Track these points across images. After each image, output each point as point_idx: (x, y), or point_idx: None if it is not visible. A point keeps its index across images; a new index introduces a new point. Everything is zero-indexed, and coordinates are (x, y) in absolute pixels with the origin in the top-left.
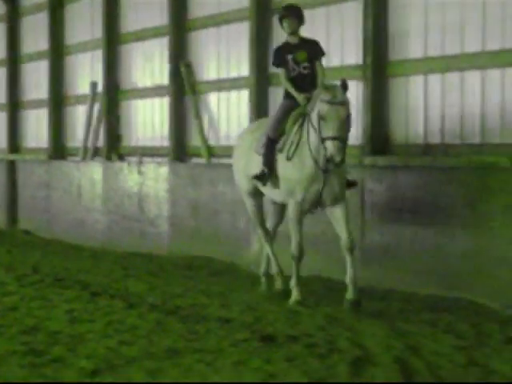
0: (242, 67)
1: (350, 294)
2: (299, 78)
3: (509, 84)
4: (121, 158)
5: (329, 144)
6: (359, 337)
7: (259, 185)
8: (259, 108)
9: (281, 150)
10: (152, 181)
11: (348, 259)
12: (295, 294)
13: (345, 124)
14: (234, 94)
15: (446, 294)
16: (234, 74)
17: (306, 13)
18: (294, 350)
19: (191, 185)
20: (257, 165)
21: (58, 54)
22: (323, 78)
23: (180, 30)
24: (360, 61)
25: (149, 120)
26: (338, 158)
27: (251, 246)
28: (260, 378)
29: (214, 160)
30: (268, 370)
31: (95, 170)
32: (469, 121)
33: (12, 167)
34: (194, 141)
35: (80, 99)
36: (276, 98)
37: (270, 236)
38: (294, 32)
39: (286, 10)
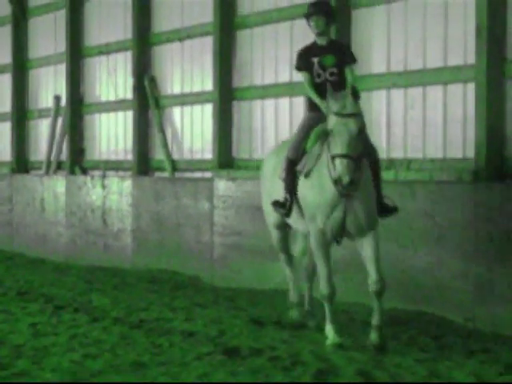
0: (206, 82)
1: (375, 339)
2: (325, 85)
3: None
4: (84, 171)
5: (337, 163)
6: (322, 350)
7: (281, 214)
8: (222, 122)
9: (302, 173)
10: (115, 195)
11: (375, 303)
12: (333, 336)
13: (355, 140)
14: (197, 108)
15: (408, 307)
16: (197, 89)
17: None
18: (258, 362)
19: (155, 198)
20: (279, 192)
21: (21, 67)
22: (352, 87)
23: (144, 44)
24: None
25: (112, 134)
26: (346, 179)
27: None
28: None
29: (178, 174)
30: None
31: (58, 184)
32: (431, 135)
33: None
34: (158, 155)
35: (43, 113)
36: (240, 112)
37: (293, 262)
38: (323, 32)
39: (312, 6)
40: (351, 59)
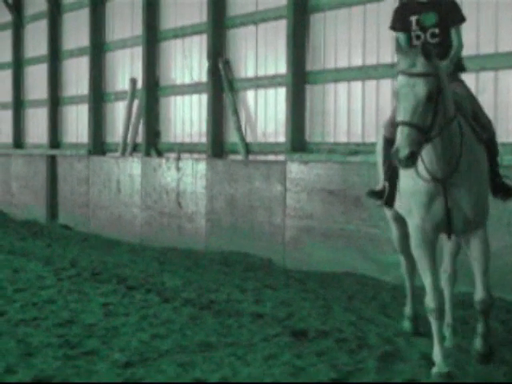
0: (280, 65)
1: (480, 348)
2: None
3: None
4: (159, 154)
5: (398, 131)
6: (389, 333)
7: (380, 205)
8: (295, 106)
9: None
10: (190, 177)
11: (480, 323)
12: (440, 364)
13: (424, 105)
14: (271, 91)
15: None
16: (271, 72)
17: None
18: (324, 344)
19: (228, 181)
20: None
21: (98, 50)
22: (458, 51)
23: (218, 27)
24: None
25: (187, 116)
26: (402, 153)
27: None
28: (288, 371)
29: (251, 157)
30: (297, 364)
31: (134, 166)
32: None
33: (52, 162)
34: (232, 137)
35: (120, 95)
36: (313, 95)
37: (414, 267)
38: None
39: None
40: (458, 18)
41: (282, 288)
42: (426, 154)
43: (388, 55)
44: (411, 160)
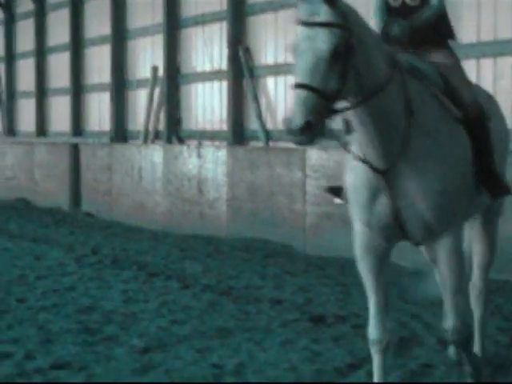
0: None
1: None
2: (403, 11)
3: None
4: (181, 141)
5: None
6: (406, 317)
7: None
8: None
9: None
10: (211, 164)
11: (458, 355)
12: None
13: (325, 63)
14: (291, 78)
15: (496, 276)
16: (291, 59)
17: None
18: (342, 330)
19: (249, 168)
20: None
21: (119, 38)
22: (434, 10)
23: (239, 14)
24: None
25: (208, 104)
26: (295, 123)
27: None
28: (305, 356)
29: (272, 143)
30: (314, 350)
31: (156, 153)
32: None
33: (75, 150)
34: (252, 124)
35: (141, 83)
36: None
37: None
38: None
39: None
40: None
41: (301, 274)
42: (359, 133)
43: None
44: (308, 133)
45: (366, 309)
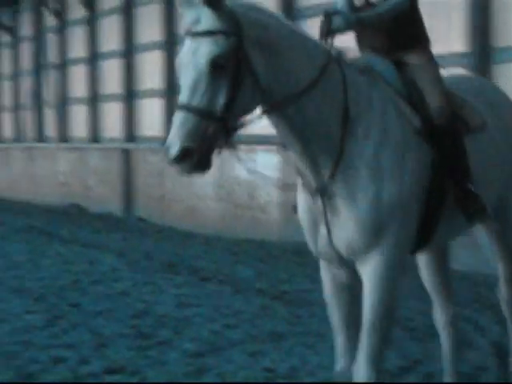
0: None
1: None
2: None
3: None
4: (232, 145)
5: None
6: (459, 322)
7: None
8: None
9: None
10: (262, 168)
11: None
12: None
13: (206, 78)
14: None
15: None
16: None
17: None
18: (393, 333)
19: None
20: None
21: (171, 43)
22: (384, 8)
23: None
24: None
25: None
26: (171, 152)
27: None
28: None
29: None
30: None
31: None
32: None
33: (127, 156)
34: None
35: None
36: None
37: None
38: None
39: None
40: None
41: None
42: (287, 146)
43: None
44: (188, 161)
45: (419, 312)
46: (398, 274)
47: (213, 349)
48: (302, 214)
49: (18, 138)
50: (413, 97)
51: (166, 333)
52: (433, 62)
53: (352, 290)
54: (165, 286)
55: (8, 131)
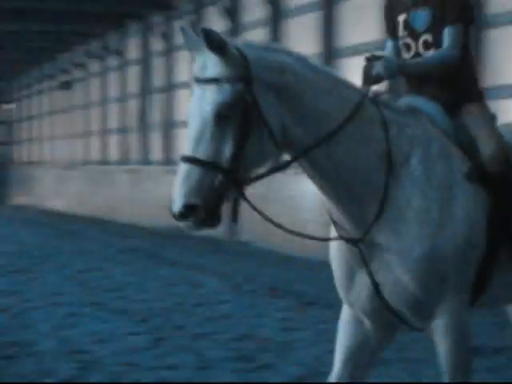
0: None
1: None
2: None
3: None
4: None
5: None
6: None
7: None
8: None
9: None
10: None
11: None
12: None
13: (211, 127)
14: None
15: None
16: None
17: None
18: (497, 361)
19: None
20: None
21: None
22: (443, 55)
23: None
24: None
25: None
26: (174, 209)
27: None
28: None
29: None
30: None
31: (309, 183)
32: None
33: None
34: None
35: None
36: None
37: None
38: None
39: None
40: (453, 16)
41: None
42: (322, 195)
43: None
44: (193, 217)
45: None
46: (468, 319)
47: (316, 373)
48: (335, 263)
49: (124, 160)
50: (464, 141)
51: (268, 356)
52: (487, 112)
53: (368, 348)
54: (267, 310)
55: (114, 153)
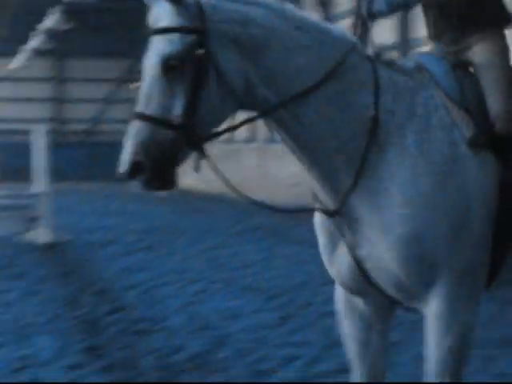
0: None
1: None
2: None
3: None
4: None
5: None
6: None
7: None
8: None
9: None
10: None
11: None
12: None
13: (160, 81)
14: None
15: None
16: None
17: None
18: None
19: None
20: None
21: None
22: None
23: None
24: None
25: None
26: (122, 166)
27: None
28: None
29: None
30: None
31: None
32: None
33: None
34: None
35: None
36: None
37: None
38: None
39: None
40: None
41: None
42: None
43: None
44: (140, 178)
45: None
46: (468, 307)
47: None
48: (319, 235)
49: (251, 138)
50: (471, 101)
51: (396, 334)
52: (503, 54)
53: (370, 323)
54: None
55: (240, 132)
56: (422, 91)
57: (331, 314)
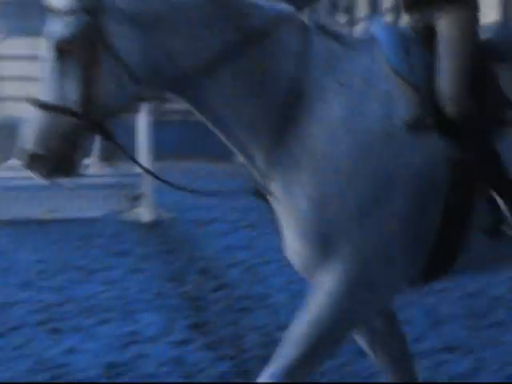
0: None
1: None
2: None
3: None
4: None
5: None
6: None
7: None
8: None
9: None
10: None
11: None
12: None
13: (52, 65)
14: None
15: None
16: None
17: None
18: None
19: None
20: None
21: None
22: None
23: None
24: None
25: None
26: (21, 156)
27: None
28: None
29: None
30: None
31: None
32: None
33: None
34: None
35: None
36: None
37: None
38: None
39: None
40: None
41: None
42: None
43: None
44: (39, 168)
45: None
46: (356, 295)
47: None
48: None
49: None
50: (420, 78)
51: (500, 314)
52: (468, 29)
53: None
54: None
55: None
56: (363, 63)
57: (435, 292)
